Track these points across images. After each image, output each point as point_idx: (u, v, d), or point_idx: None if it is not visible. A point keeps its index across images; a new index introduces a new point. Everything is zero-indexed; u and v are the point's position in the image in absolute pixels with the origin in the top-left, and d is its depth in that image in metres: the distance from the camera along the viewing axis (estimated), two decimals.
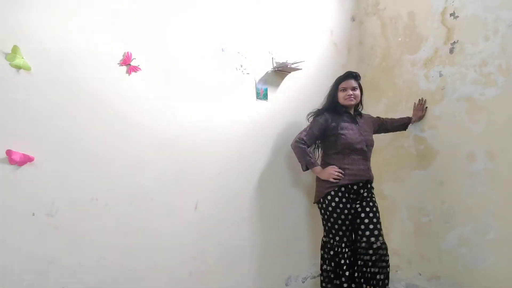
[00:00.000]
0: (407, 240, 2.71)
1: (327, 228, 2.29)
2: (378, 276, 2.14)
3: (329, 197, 2.23)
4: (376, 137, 2.50)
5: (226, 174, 2.15)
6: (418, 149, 2.63)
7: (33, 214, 1.51)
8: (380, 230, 2.20)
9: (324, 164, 2.31)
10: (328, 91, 2.38)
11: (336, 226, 2.23)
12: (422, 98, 2.56)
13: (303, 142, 2.23)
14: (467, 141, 2.38)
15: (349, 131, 2.23)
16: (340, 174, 2.20)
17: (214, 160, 2.10)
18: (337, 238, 2.23)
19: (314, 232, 2.64)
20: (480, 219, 2.33)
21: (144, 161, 1.83)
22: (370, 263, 2.15)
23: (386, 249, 2.18)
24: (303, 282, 2.57)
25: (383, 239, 2.19)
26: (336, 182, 2.20)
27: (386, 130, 2.57)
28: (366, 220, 2.20)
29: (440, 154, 2.52)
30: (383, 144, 2.79)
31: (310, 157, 2.24)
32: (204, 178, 2.05)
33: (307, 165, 2.26)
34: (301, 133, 2.26)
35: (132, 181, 1.78)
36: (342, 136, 2.21)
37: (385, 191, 2.81)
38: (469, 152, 2.37)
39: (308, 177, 2.59)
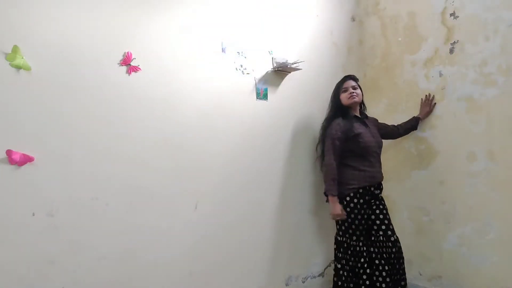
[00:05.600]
0: (408, 240, 2.70)
1: (343, 228, 2.31)
2: (403, 266, 2.29)
3: (347, 199, 2.27)
4: None
5: (226, 174, 2.15)
6: (419, 149, 2.63)
7: (33, 214, 1.51)
8: (393, 227, 2.33)
9: (344, 166, 2.31)
10: (330, 99, 2.47)
11: (353, 226, 2.26)
12: (429, 93, 2.54)
13: (332, 162, 2.27)
14: (468, 141, 2.38)
15: (365, 134, 2.31)
16: (344, 217, 2.26)
17: (214, 160, 2.10)
18: (354, 238, 2.27)
19: (315, 232, 2.64)
20: (480, 219, 2.33)
21: (144, 161, 1.83)
22: (393, 255, 2.26)
23: (400, 244, 2.32)
24: (303, 282, 2.57)
25: (394, 234, 2.31)
26: (354, 190, 2.26)
27: (400, 135, 2.60)
28: (381, 216, 2.32)
29: (440, 154, 2.52)
30: (383, 144, 2.79)
31: (332, 183, 2.25)
32: (204, 178, 2.05)
33: (325, 191, 2.31)
34: (327, 155, 2.31)
35: (132, 181, 1.78)
36: (360, 140, 2.28)
37: (386, 191, 2.79)
38: (470, 152, 2.37)
39: (310, 177, 2.59)
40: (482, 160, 2.31)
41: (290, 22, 2.52)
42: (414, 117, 2.57)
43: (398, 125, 2.58)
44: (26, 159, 1.49)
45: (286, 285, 2.46)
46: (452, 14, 2.44)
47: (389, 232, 2.29)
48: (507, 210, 2.22)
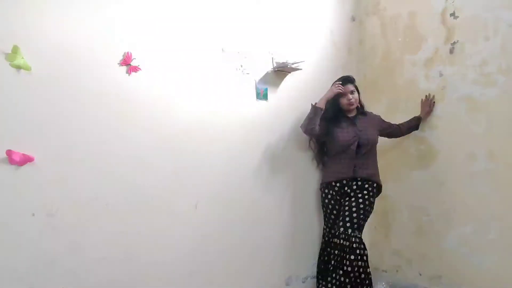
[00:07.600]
0: (408, 240, 2.70)
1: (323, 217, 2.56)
2: (333, 262, 2.23)
3: (320, 192, 2.54)
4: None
5: (226, 174, 2.15)
6: (419, 149, 2.63)
7: (33, 214, 1.51)
8: (347, 222, 2.20)
9: (323, 164, 2.59)
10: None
11: (326, 218, 2.51)
12: (429, 93, 2.54)
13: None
14: (468, 141, 2.38)
15: (341, 134, 2.36)
16: (340, 87, 2.33)
17: (214, 160, 2.10)
18: (327, 229, 2.50)
19: (315, 231, 2.64)
20: (480, 219, 2.33)
21: (144, 161, 1.83)
22: (343, 253, 2.19)
23: (346, 239, 2.15)
24: (304, 282, 2.57)
25: (347, 229, 2.17)
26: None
27: (402, 134, 2.61)
28: (341, 212, 2.31)
29: (440, 154, 2.52)
30: (383, 144, 2.78)
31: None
32: (204, 178, 2.05)
33: (314, 112, 2.28)
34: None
35: (132, 181, 1.78)
36: (332, 140, 2.39)
37: (386, 191, 2.78)
38: (470, 152, 2.37)
39: (308, 177, 2.60)
40: (482, 160, 2.31)
41: (290, 22, 2.52)
42: (415, 116, 2.57)
43: (400, 124, 2.59)
44: (26, 159, 1.48)
45: (286, 285, 2.46)
46: (452, 14, 2.44)
47: (335, 227, 2.29)
48: (507, 210, 2.22)
